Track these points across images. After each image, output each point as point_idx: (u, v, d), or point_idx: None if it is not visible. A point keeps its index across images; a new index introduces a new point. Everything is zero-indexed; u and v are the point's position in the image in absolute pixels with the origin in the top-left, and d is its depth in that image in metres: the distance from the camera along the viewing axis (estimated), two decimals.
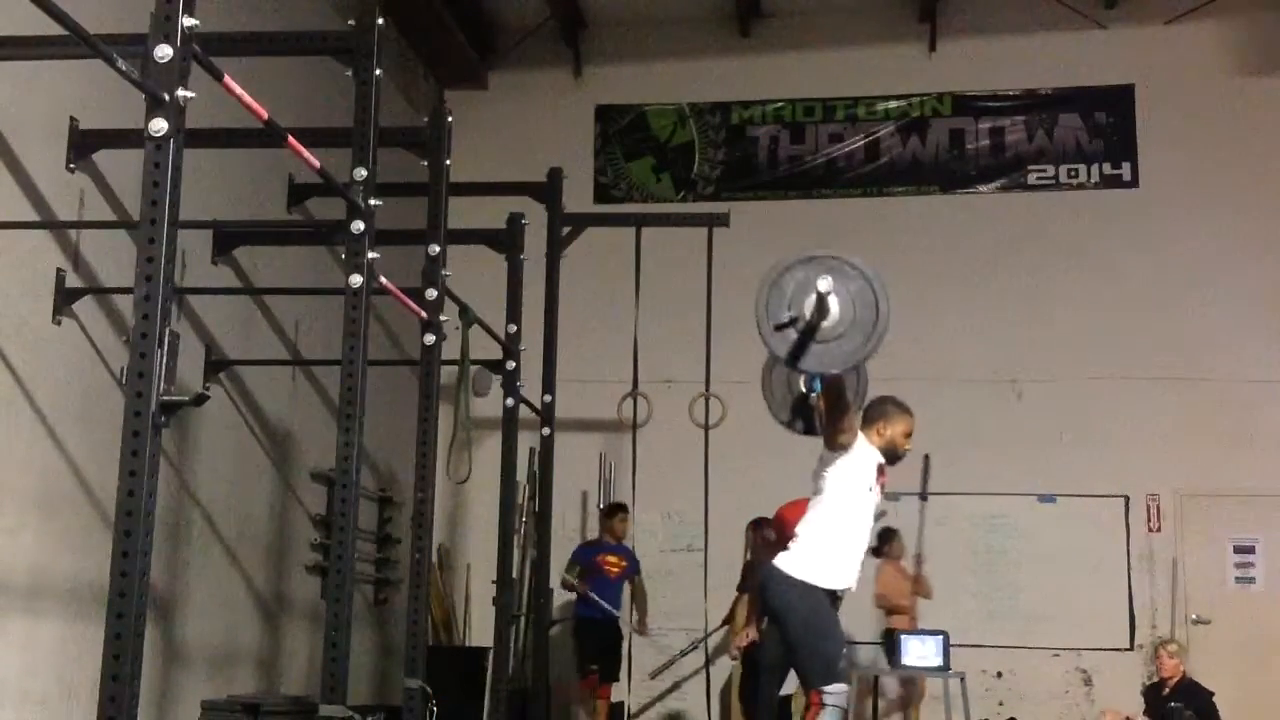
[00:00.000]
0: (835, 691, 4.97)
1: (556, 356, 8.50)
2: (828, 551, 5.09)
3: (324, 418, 8.04)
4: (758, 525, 8.22)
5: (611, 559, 9.20)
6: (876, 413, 5.25)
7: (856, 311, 4.39)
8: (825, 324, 4.38)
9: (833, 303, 4.36)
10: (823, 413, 5.30)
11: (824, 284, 4.30)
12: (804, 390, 5.67)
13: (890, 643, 8.84)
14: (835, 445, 5.05)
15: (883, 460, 5.18)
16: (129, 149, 4.83)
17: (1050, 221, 10.64)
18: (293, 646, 7.89)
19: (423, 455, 6.07)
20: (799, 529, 5.25)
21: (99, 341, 5.78)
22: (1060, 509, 10.21)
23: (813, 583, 5.05)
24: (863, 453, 5.09)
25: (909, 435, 5.27)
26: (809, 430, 5.77)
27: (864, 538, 5.18)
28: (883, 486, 5.22)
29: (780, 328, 4.41)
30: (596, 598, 9.06)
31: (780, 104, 11.20)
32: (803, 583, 5.05)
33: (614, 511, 9.31)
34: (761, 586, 5.45)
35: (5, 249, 5.23)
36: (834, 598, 5.18)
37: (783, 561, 5.15)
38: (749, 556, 8.64)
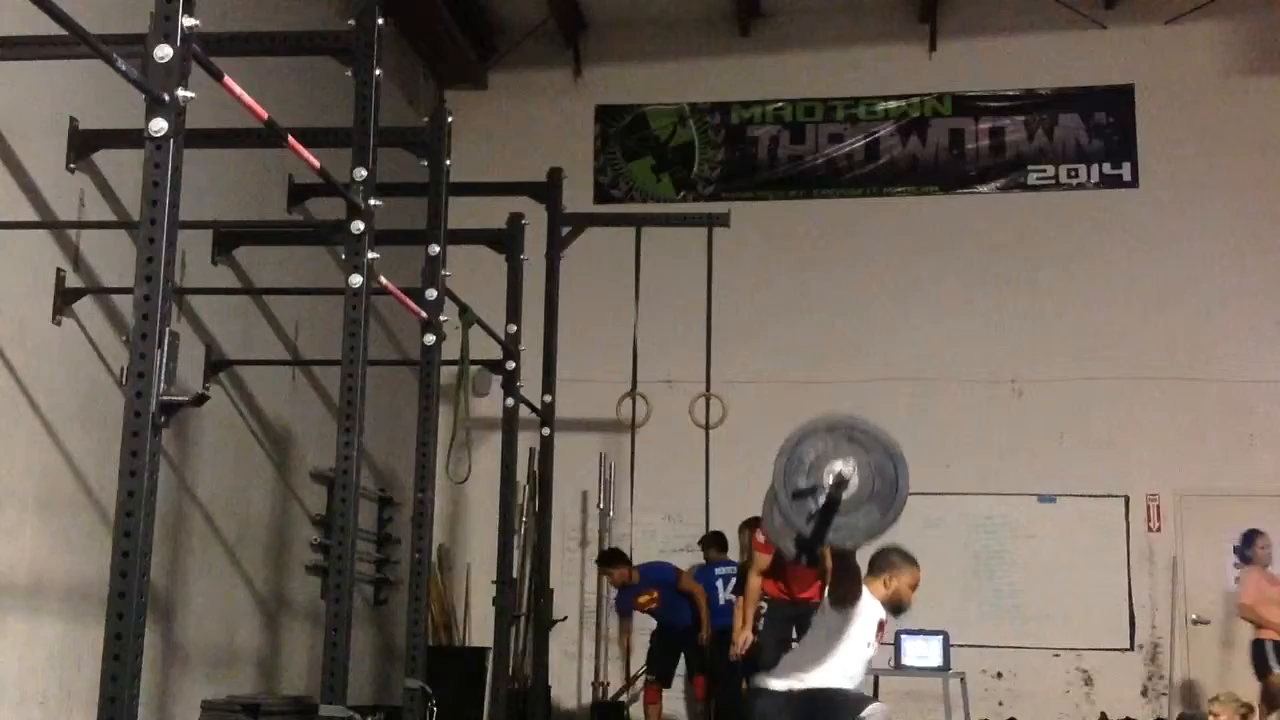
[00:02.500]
0: (873, 714, 4.93)
1: (556, 356, 8.49)
2: (810, 680, 5.02)
3: (324, 418, 8.04)
4: (750, 526, 8.22)
5: (643, 599, 9.07)
6: (883, 564, 5.12)
7: (875, 484, 4.32)
8: (844, 496, 4.32)
9: (852, 476, 4.30)
10: (824, 559, 5.22)
11: (845, 466, 4.25)
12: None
13: (1258, 654, 8.72)
14: (843, 603, 4.97)
15: (884, 616, 5.10)
16: (129, 149, 4.84)
17: (1050, 221, 10.64)
18: (293, 646, 7.89)
19: (423, 455, 6.07)
20: (786, 658, 5.21)
21: (99, 341, 5.78)
22: (1060, 509, 10.21)
23: (797, 689, 5.01)
24: (865, 609, 4.99)
25: (914, 587, 5.18)
26: (813, 562, 5.71)
27: (851, 685, 5.11)
28: (880, 640, 5.16)
29: (798, 495, 4.36)
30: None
31: (780, 104, 11.20)
32: (788, 692, 5.00)
33: (607, 561, 9.20)
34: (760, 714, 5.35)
35: (5, 249, 5.23)
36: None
37: (766, 683, 5.11)
38: (743, 558, 8.64)
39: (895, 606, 5.12)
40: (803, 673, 5.00)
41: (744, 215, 9.83)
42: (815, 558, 5.53)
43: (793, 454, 4.37)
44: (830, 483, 4.28)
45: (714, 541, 9.37)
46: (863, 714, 4.91)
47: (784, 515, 4.45)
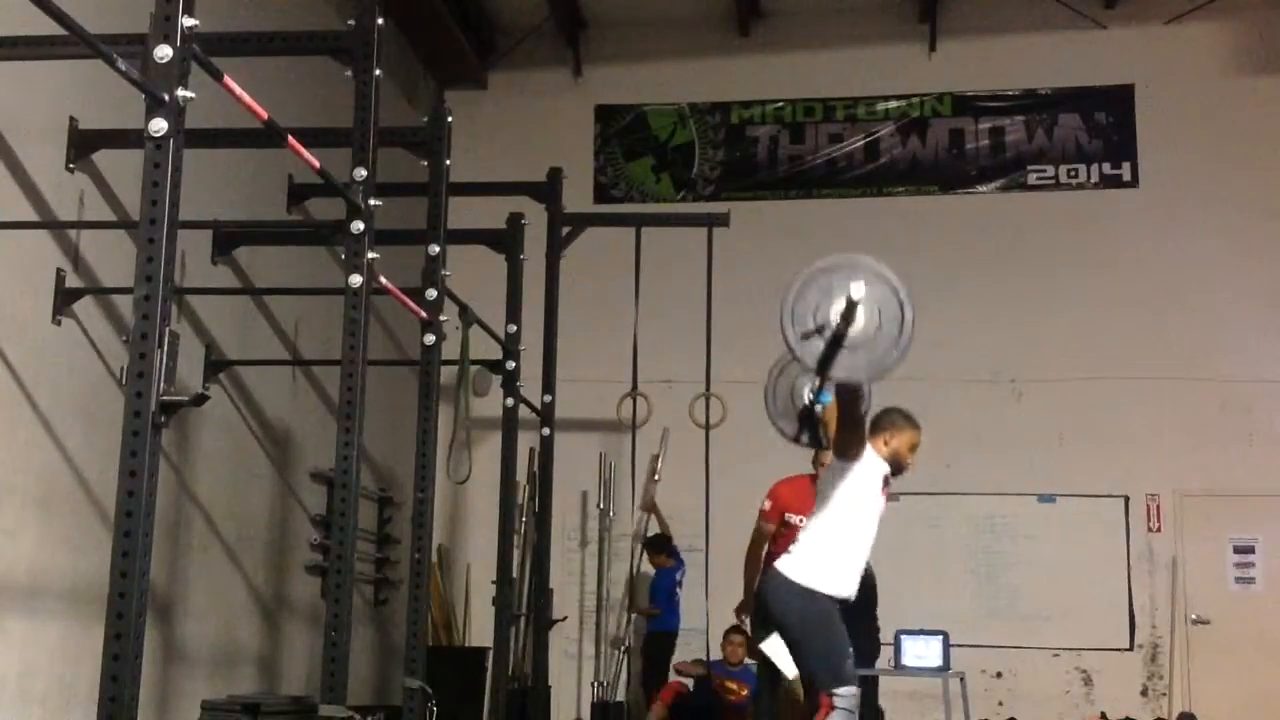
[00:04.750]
0: (845, 694, 4.94)
1: (556, 356, 8.50)
2: (831, 558, 5.07)
3: (324, 418, 8.04)
4: None
5: (730, 685, 8.77)
6: (884, 423, 5.19)
7: (882, 318, 4.38)
8: (852, 331, 4.35)
9: (860, 310, 4.34)
10: (828, 423, 5.27)
11: (857, 291, 4.28)
12: (808, 402, 5.64)
13: None
14: (847, 455, 5.00)
15: (888, 471, 5.14)
16: (129, 149, 4.84)
17: (1050, 221, 10.64)
18: (293, 646, 7.89)
19: (423, 455, 6.07)
20: (802, 535, 5.23)
21: (99, 341, 5.78)
22: (1060, 509, 10.21)
23: (815, 588, 5.04)
24: (870, 463, 5.06)
25: (914, 448, 5.23)
26: (814, 442, 5.75)
27: (867, 546, 5.15)
28: (887, 497, 5.20)
29: (806, 336, 4.39)
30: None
31: (780, 104, 11.20)
32: (804, 587, 5.03)
33: (728, 632, 8.89)
34: (760, 590, 5.43)
35: (5, 249, 5.23)
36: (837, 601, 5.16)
37: (784, 566, 5.13)
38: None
39: (896, 465, 5.17)
40: (814, 534, 5.03)
41: (744, 215, 9.83)
42: (818, 437, 5.58)
43: (797, 297, 4.41)
44: (838, 317, 4.30)
45: (662, 547, 9.46)
46: (836, 691, 4.93)
47: (793, 355, 4.50)
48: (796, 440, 5.78)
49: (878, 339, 4.38)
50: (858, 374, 4.49)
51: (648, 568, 9.80)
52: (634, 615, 10.01)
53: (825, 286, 4.41)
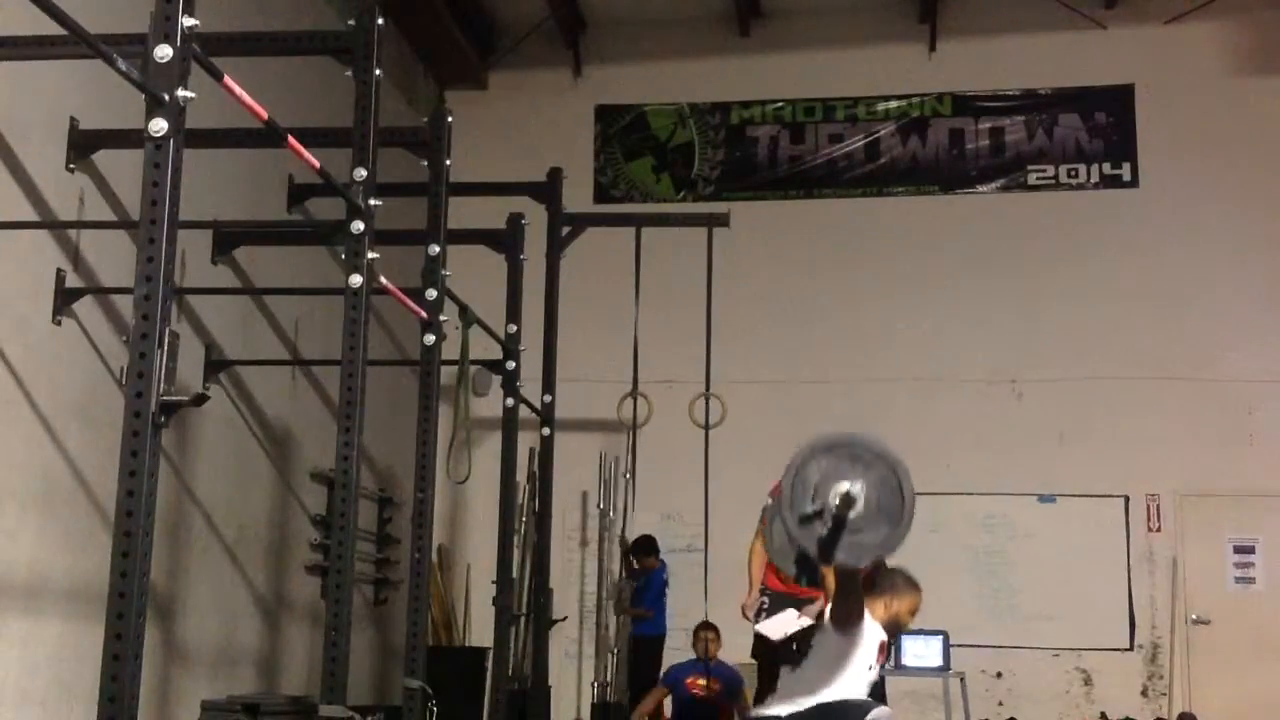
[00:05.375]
0: (879, 716, 4.90)
1: (556, 356, 8.50)
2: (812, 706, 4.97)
3: (324, 418, 8.04)
4: None
5: (700, 682, 8.58)
6: (885, 586, 5.02)
7: (881, 499, 4.33)
8: (851, 515, 4.33)
9: (858, 495, 4.31)
10: (826, 573, 5.18)
11: (854, 486, 4.25)
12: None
13: None
14: (846, 625, 4.84)
15: (885, 638, 5.05)
16: (129, 149, 4.84)
17: (1050, 221, 10.64)
18: (293, 646, 7.89)
19: (423, 455, 6.07)
20: (788, 681, 5.15)
21: (99, 341, 5.78)
22: (1060, 509, 10.21)
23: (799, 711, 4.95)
24: (867, 631, 4.89)
25: (914, 612, 5.13)
26: (812, 583, 5.69)
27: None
28: (882, 665, 5.12)
29: (805, 520, 4.37)
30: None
31: (780, 104, 11.20)
32: (790, 716, 4.93)
33: (699, 629, 8.74)
34: None
35: (5, 249, 5.23)
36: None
37: (767, 710, 5.05)
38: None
39: (893, 628, 5.08)
40: (805, 697, 4.97)
41: (744, 215, 9.83)
42: (816, 579, 5.52)
43: (796, 478, 4.38)
44: (836, 503, 4.28)
45: (650, 549, 9.45)
46: (867, 718, 4.89)
47: (794, 540, 4.45)
48: (796, 580, 5.73)
49: (878, 519, 4.33)
50: (858, 557, 4.44)
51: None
52: (621, 618, 9.98)
53: (823, 468, 4.36)
